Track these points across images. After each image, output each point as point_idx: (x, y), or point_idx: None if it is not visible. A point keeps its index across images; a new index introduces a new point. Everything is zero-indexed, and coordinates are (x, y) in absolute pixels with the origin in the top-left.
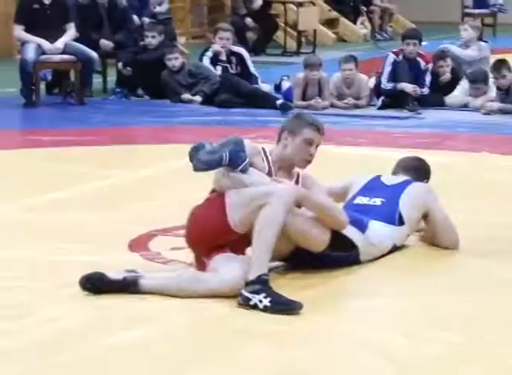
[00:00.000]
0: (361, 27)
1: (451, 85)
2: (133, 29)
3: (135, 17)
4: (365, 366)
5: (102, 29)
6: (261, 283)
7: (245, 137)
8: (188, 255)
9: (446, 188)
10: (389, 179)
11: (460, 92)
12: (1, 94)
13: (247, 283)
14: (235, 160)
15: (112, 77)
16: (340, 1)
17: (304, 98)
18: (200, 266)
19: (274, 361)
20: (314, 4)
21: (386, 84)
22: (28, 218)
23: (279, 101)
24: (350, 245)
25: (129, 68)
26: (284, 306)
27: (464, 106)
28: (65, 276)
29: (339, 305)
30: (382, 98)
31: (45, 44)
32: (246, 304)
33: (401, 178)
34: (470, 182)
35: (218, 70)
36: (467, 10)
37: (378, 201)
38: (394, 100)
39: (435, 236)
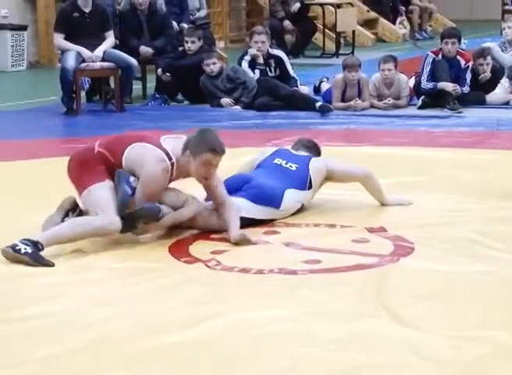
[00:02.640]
0: (400, 27)
1: (492, 83)
2: (173, 35)
3: (174, 23)
4: (406, 367)
5: (142, 35)
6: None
7: (285, 140)
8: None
9: (488, 187)
10: (296, 151)
11: (501, 90)
12: (43, 102)
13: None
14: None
15: (151, 83)
16: (379, 1)
17: (343, 100)
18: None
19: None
20: (352, 5)
21: (426, 84)
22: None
23: (318, 103)
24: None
25: (168, 74)
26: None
27: (506, 104)
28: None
29: (378, 305)
30: (422, 97)
31: (85, 52)
32: (12, 249)
33: (304, 153)
34: None
35: (257, 74)
36: (506, 7)
37: (293, 167)
38: (434, 99)
39: (347, 179)
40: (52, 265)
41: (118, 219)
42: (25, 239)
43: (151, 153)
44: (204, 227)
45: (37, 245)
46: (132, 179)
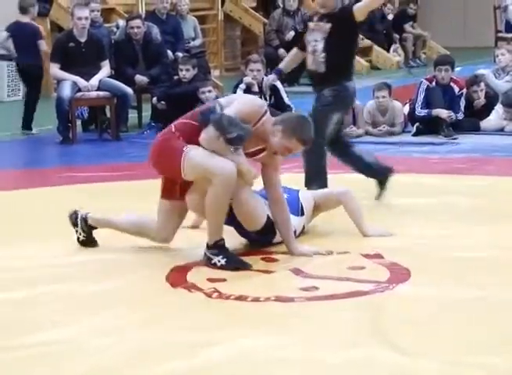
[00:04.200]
0: (395, 55)
1: (486, 110)
2: (168, 63)
3: (169, 52)
4: None
5: (137, 64)
6: (218, 247)
7: (282, 167)
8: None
9: (483, 212)
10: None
11: (495, 116)
12: (39, 131)
13: (208, 246)
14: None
15: (147, 112)
16: (373, 29)
17: None
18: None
19: None
20: None
21: (420, 111)
22: (71, 251)
23: None
24: (273, 232)
25: (163, 102)
26: (237, 264)
27: (500, 130)
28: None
29: (375, 332)
30: (417, 124)
31: (81, 81)
32: (208, 262)
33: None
34: (508, 206)
35: None
36: (500, 34)
37: (285, 195)
38: (429, 126)
39: (329, 200)
40: None
41: (229, 162)
42: None
43: (247, 96)
44: (240, 204)
45: None
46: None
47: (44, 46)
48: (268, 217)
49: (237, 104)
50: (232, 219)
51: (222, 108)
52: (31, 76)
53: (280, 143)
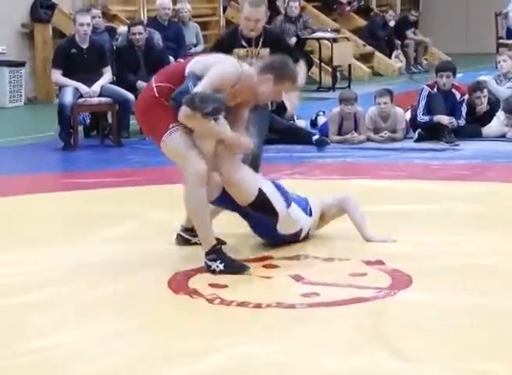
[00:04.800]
0: (396, 61)
1: (488, 116)
2: None
3: (171, 58)
4: None
5: (139, 70)
6: (215, 252)
7: (282, 174)
8: None
9: (485, 219)
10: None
11: (497, 123)
12: (41, 137)
13: (206, 253)
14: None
15: None
16: (375, 35)
17: (339, 133)
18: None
19: None
20: (348, 39)
21: (422, 117)
22: (73, 256)
23: (314, 137)
24: (272, 212)
25: None
26: (235, 269)
27: (502, 137)
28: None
29: (377, 338)
30: (419, 130)
31: (82, 87)
32: (208, 269)
33: None
34: (509, 213)
35: None
36: (501, 41)
37: (294, 195)
38: (430, 132)
39: (337, 211)
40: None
41: (202, 162)
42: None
43: (222, 58)
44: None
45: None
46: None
47: None
48: (261, 191)
49: (210, 77)
50: (228, 200)
51: (195, 82)
52: None
53: (274, 89)
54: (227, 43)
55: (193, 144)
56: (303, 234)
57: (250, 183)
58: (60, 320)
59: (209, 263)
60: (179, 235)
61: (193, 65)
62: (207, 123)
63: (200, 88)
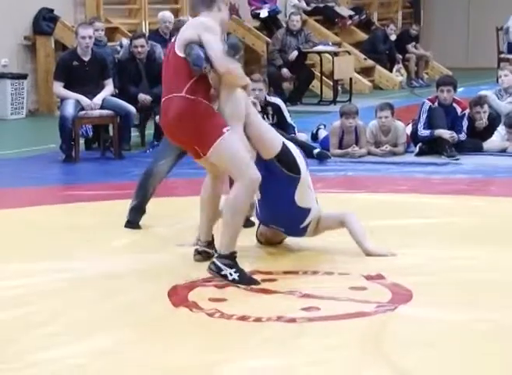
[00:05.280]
0: (397, 75)
1: (489, 131)
2: None
3: None
4: None
5: (141, 83)
6: (232, 259)
7: None
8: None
9: (485, 233)
10: None
11: (498, 137)
12: (42, 150)
13: (220, 256)
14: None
15: (149, 131)
16: (376, 49)
17: (340, 147)
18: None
19: None
20: (349, 53)
21: (423, 131)
22: (73, 269)
23: (315, 151)
24: (296, 169)
25: None
26: (249, 281)
27: (503, 151)
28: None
29: (377, 353)
30: (420, 144)
31: (84, 100)
32: (217, 272)
33: None
34: (510, 227)
35: None
36: (502, 55)
37: None
38: (431, 146)
39: (335, 224)
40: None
41: (257, 171)
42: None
43: (193, 21)
44: None
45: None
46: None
47: None
48: (285, 145)
49: (210, 33)
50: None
51: (198, 48)
52: None
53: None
54: None
55: (247, 149)
56: (308, 228)
57: (274, 135)
58: (59, 333)
59: (222, 267)
60: (203, 251)
61: (180, 42)
62: (240, 68)
63: (218, 44)
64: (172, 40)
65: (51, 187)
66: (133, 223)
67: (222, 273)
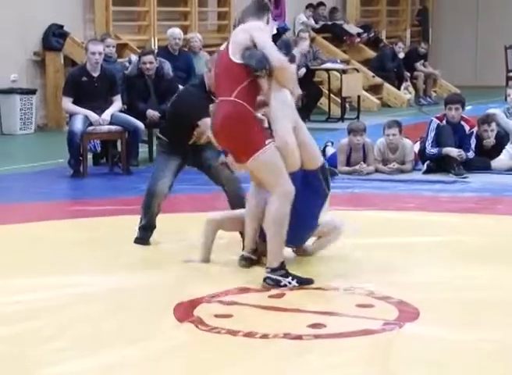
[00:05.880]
0: (405, 93)
1: (497, 149)
2: None
3: (181, 87)
4: None
5: (149, 99)
6: (284, 269)
7: None
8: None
9: (493, 252)
10: None
11: (506, 156)
12: (50, 165)
13: (273, 269)
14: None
15: (156, 146)
16: (384, 67)
17: (348, 164)
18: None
19: None
20: (357, 70)
21: (431, 150)
22: (80, 284)
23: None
24: (329, 185)
25: None
26: (307, 282)
27: (511, 170)
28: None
29: (383, 372)
30: (427, 162)
31: (92, 115)
32: (276, 285)
33: None
34: None
35: None
36: (511, 74)
37: None
38: (439, 164)
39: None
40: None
41: (291, 184)
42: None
43: (245, 27)
44: None
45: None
46: None
47: None
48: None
49: (265, 37)
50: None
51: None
52: None
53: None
54: None
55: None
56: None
57: (316, 146)
58: (66, 349)
59: (279, 278)
60: (248, 258)
61: (234, 47)
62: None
63: (271, 43)
64: (222, 47)
65: (59, 202)
66: (143, 239)
67: (282, 284)
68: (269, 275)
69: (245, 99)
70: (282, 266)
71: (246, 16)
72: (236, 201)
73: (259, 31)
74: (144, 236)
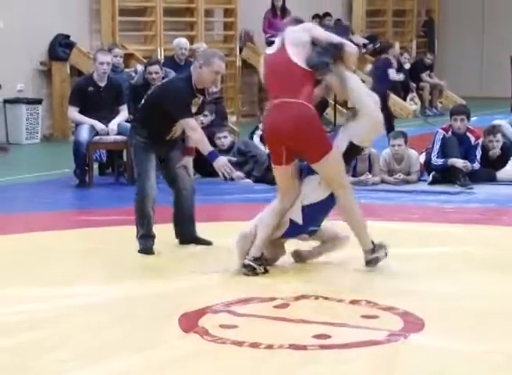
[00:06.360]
0: (411, 103)
1: (502, 160)
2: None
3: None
4: None
5: None
6: (375, 245)
7: None
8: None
9: (498, 262)
10: None
11: None
12: (56, 174)
13: (369, 250)
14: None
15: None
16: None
17: (354, 174)
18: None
19: None
20: (363, 81)
21: (437, 160)
22: (84, 294)
23: None
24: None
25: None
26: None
27: None
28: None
29: None
30: (433, 173)
31: (98, 125)
32: (377, 262)
33: None
34: None
35: None
36: None
37: None
38: (445, 175)
39: (328, 236)
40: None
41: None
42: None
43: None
44: None
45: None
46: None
47: None
48: None
49: (325, 34)
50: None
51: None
52: None
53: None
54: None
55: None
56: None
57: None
58: (68, 360)
59: (378, 255)
60: (248, 265)
61: (297, 48)
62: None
63: (336, 37)
64: (277, 43)
65: (64, 211)
66: (146, 249)
67: (380, 261)
68: (369, 256)
69: (310, 101)
70: (373, 244)
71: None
72: (185, 204)
73: (316, 29)
74: (146, 245)
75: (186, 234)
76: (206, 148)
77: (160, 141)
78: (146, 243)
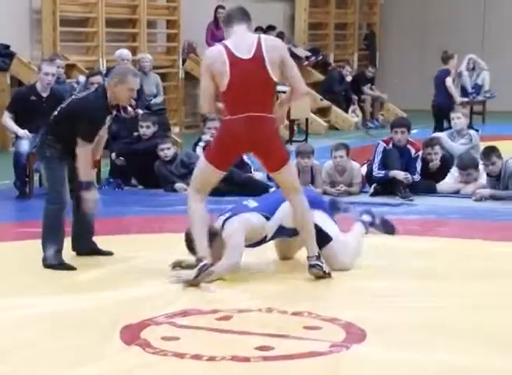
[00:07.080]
0: (353, 116)
1: (442, 172)
2: (128, 120)
3: (129, 108)
4: None
5: None
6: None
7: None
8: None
9: (435, 273)
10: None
11: (451, 179)
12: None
13: (317, 257)
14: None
15: (105, 168)
16: (332, 90)
17: None
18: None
19: None
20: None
21: (378, 172)
22: (24, 306)
23: (271, 189)
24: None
25: (122, 158)
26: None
27: (456, 193)
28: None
29: None
30: (374, 185)
31: (20, 131)
32: (320, 270)
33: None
34: (461, 268)
35: None
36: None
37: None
38: (386, 187)
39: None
40: None
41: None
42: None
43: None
44: None
45: None
46: None
47: None
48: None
49: (294, 65)
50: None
51: None
52: None
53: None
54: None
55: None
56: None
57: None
58: (8, 373)
59: (322, 264)
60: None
61: (272, 64)
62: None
63: (298, 73)
64: (251, 55)
65: (2, 224)
66: (65, 264)
67: (322, 267)
68: (313, 263)
69: (272, 113)
70: (319, 254)
71: (234, 19)
72: (86, 215)
73: (287, 53)
74: (62, 260)
75: (85, 246)
76: (85, 174)
77: (71, 153)
78: (61, 257)
